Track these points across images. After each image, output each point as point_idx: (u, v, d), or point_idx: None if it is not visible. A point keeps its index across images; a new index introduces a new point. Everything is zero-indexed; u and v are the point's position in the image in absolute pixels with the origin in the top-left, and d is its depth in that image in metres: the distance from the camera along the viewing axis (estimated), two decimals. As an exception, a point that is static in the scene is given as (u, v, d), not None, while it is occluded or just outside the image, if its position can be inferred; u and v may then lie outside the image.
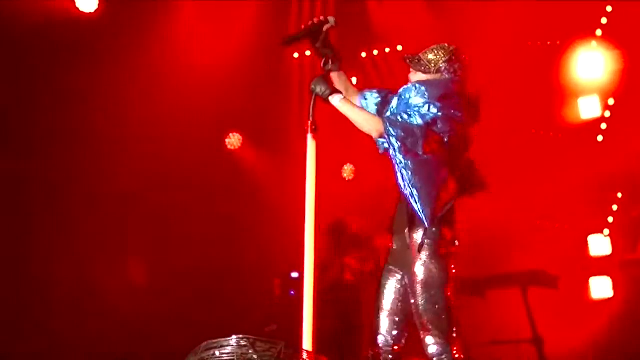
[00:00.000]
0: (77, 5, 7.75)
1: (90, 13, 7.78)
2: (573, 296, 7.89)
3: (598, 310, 7.91)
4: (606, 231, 8.41)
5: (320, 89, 4.01)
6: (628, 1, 8.23)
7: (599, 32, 8.47)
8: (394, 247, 4.16)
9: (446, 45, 4.22)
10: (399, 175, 3.86)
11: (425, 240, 3.95)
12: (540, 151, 8.59)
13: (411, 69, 4.16)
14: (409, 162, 3.83)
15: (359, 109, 4.03)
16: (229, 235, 8.62)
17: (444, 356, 3.91)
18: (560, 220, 8.69)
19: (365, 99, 4.31)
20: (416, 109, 3.91)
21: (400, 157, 3.84)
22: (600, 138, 8.51)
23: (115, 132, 8.07)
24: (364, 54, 8.95)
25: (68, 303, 7.60)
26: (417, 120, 3.87)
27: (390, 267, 4.16)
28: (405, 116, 3.89)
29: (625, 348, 7.48)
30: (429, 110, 3.90)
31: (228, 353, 3.37)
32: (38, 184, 7.78)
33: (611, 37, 8.40)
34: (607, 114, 8.50)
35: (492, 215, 8.25)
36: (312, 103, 4.10)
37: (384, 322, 4.11)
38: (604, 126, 8.52)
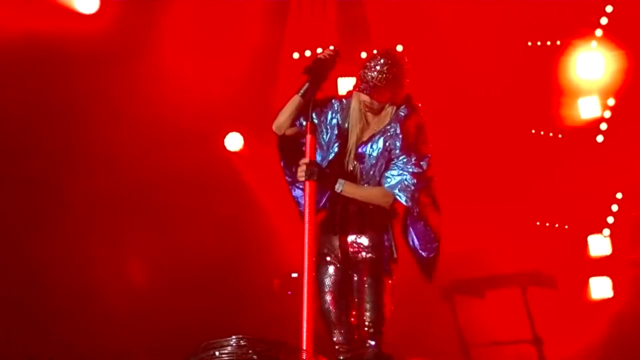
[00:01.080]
0: (76, 6, 7.76)
1: (89, 15, 7.80)
2: (573, 296, 7.89)
3: (598, 311, 7.90)
4: (606, 231, 8.41)
5: (321, 180, 4.03)
6: (628, 1, 8.23)
7: (598, 32, 8.46)
8: (336, 242, 4.15)
9: (390, 55, 4.08)
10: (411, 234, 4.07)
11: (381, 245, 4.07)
12: (539, 151, 8.58)
13: (377, 99, 4.05)
14: (423, 221, 4.03)
15: (362, 188, 4.08)
16: (228, 235, 8.60)
17: (370, 345, 4.00)
18: (560, 220, 8.69)
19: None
20: (403, 158, 3.99)
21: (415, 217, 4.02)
22: (600, 138, 8.51)
23: (114, 132, 8.06)
24: (364, 54, 8.93)
25: (67, 303, 7.59)
26: (416, 171, 3.99)
27: (329, 259, 4.16)
28: (407, 176, 3.97)
29: (626, 348, 7.48)
30: (420, 158, 4.01)
31: (228, 353, 3.36)
32: (37, 185, 7.77)
33: (611, 38, 8.40)
34: (607, 114, 8.49)
35: (492, 216, 8.25)
36: (310, 104, 4.11)
37: (341, 319, 4.12)
38: (603, 126, 8.51)
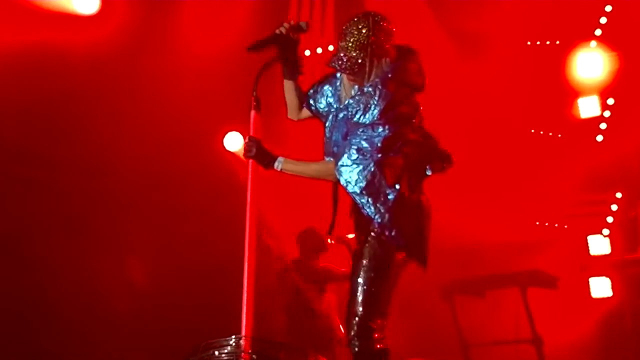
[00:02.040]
0: (75, 7, 7.77)
1: (89, 16, 7.82)
2: (572, 296, 7.88)
3: (597, 311, 7.90)
4: (605, 231, 8.40)
5: (259, 158, 4.00)
6: (627, 1, 8.23)
7: (598, 32, 8.46)
8: (359, 222, 3.96)
9: (352, 22, 3.84)
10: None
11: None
12: (539, 151, 8.58)
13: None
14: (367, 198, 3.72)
15: (302, 164, 3.93)
16: (228, 235, 8.58)
17: (357, 339, 3.70)
18: (559, 220, 8.69)
19: (310, 105, 4.15)
20: (364, 135, 3.73)
21: (358, 194, 3.72)
22: (599, 138, 8.51)
23: (115, 134, 8.06)
24: (363, 54, 8.93)
25: (68, 303, 7.59)
26: (364, 146, 3.72)
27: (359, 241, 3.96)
28: (354, 152, 3.72)
29: (625, 348, 7.48)
30: (380, 132, 3.72)
31: (227, 353, 3.37)
32: (38, 186, 7.78)
33: (610, 37, 8.40)
34: (607, 113, 8.49)
35: (492, 216, 8.25)
36: (256, 79, 4.10)
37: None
38: (603, 126, 8.51)
